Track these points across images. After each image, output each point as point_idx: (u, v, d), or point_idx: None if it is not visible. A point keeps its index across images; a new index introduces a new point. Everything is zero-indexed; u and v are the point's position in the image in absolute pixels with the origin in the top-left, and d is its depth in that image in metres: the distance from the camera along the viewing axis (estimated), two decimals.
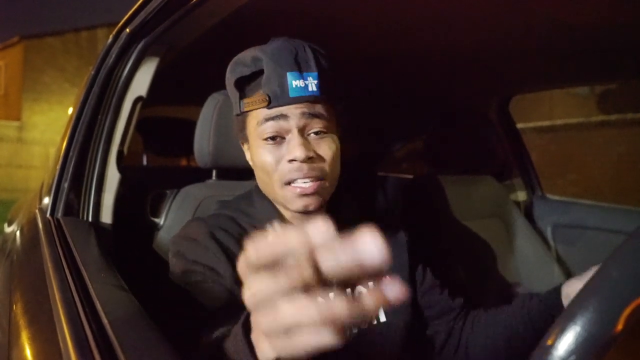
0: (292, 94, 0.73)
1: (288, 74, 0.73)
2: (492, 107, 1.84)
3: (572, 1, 1.02)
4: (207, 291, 0.73)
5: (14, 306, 0.85)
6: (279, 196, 0.78)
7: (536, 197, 1.88)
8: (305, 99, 0.74)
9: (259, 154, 0.77)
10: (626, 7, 1.03)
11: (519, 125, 1.96)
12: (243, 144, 0.85)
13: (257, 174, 0.82)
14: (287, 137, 0.76)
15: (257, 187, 0.87)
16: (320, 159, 0.76)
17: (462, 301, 0.92)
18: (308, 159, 0.74)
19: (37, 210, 1.24)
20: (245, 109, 0.78)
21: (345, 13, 1.17)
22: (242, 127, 0.82)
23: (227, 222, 0.82)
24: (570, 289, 0.80)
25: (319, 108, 0.76)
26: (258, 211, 0.83)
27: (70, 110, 1.59)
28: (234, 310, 0.70)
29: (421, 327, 0.91)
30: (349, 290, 0.76)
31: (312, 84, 0.74)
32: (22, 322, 0.75)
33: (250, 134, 0.80)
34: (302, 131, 0.75)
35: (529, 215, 1.78)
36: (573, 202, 1.82)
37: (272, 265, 0.31)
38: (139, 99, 1.13)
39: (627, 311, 0.33)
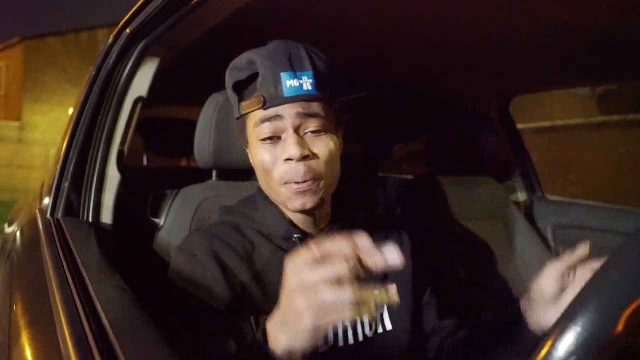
0: (286, 94, 0.74)
1: (282, 74, 0.74)
2: (493, 107, 1.84)
3: (572, 2, 1.02)
4: (197, 314, 0.72)
5: (15, 306, 0.85)
6: (279, 195, 0.78)
7: (536, 198, 1.88)
8: (300, 98, 0.74)
9: (258, 155, 0.78)
10: (626, 8, 1.03)
11: (520, 126, 1.96)
12: (246, 146, 0.86)
13: (258, 174, 0.82)
14: (283, 137, 0.76)
15: (260, 189, 0.87)
16: (316, 157, 0.76)
17: (454, 322, 0.91)
18: (303, 158, 0.74)
19: (37, 211, 1.24)
20: (244, 112, 0.79)
21: (345, 14, 1.17)
22: (243, 130, 0.82)
23: (231, 232, 0.81)
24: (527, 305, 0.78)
25: (315, 107, 0.76)
26: (262, 216, 0.83)
27: (71, 110, 1.60)
28: (223, 335, 0.70)
29: (424, 334, 0.91)
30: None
31: (307, 83, 0.75)
32: (22, 322, 0.75)
33: (249, 135, 0.81)
34: (297, 130, 0.76)
35: (529, 216, 1.77)
36: (573, 202, 1.82)
37: (320, 261, 0.47)
38: (139, 99, 1.13)
39: (627, 312, 0.33)
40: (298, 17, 1.17)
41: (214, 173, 1.14)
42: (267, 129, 0.76)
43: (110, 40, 1.15)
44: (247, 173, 1.21)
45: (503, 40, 1.28)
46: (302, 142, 0.75)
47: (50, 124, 12.82)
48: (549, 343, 0.34)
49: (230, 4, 0.92)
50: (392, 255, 0.46)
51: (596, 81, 2.28)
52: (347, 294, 0.47)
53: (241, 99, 0.80)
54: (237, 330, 0.72)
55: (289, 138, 0.75)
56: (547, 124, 6.67)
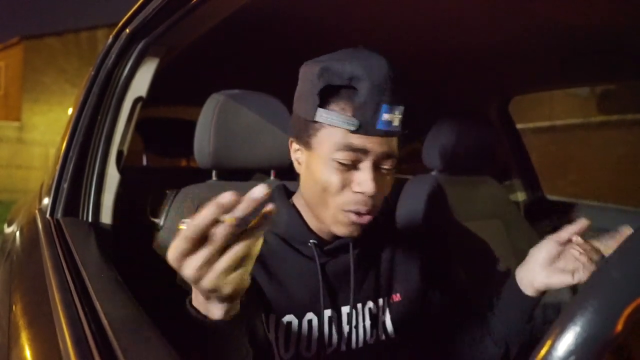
0: (379, 126, 0.71)
1: (383, 105, 0.70)
2: (492, 107, 1.84)
3: (572, 2, 1.02)
4: None
5: (14, 307, 0.85)
6: (331, 216, 0.76)
7: (536, 198, 1.88)
8: (388, 134, 0.72)
9: (325, 172, 0.74)
10: (626, 8, 1.03)
11: (519, 126, 1.96)
12: (296, 143, 0.80)
13: (312, 186, 0.77)
14: (360, 166, 0.73)
15: (280, 191, 0.86)
16: (379, 194, 0.74)
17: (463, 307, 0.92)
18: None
19: (36, 211, 1.24)
20: (324, 121, 0.73)
21: (345, 14, 1.17)
22: (307, 132, 0.76)
23: None
24: (522, 274, 0.85)
25: (394, 146, 0.74)
26: (281, 216, 0.81)
27: (70, 110, 1.60)
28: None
29: (431, 341, 0.90)
30: (360, 304, 0.75)
31: (397, 119, 0.72)
32: (21, 322, 0.75)
33: (318, 145, 0.75)
34: (375, 166, 0.73)
35: (528, 215, 1.78)
36: (573, 202, 1.82)
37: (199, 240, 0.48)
38: (138, 99, 1.13)
39: (627, 311, 0.33)
40: (298, 17, 1.17)
41: (214, 173, 1.14)
42: (348, 157, 0.72)
43: (110, 40, 1.15)
44: (247, 173, 1.21)
45: (503, 40, 1.28)
46: (377, 178, 0.73)
47: (50, 124, 12.80)
48: (549, 343, 0.34)
49: (230, 4, 0.92)
50: (257, 191, 0.48)
51: (595, 81, 2.28)
52: (239, 250, 0.49)
53: (323, 104, 0.73)
54: (249, 328, 0.72)
55: (367, 173, 0.72)
56: (546, 123, 6.68)
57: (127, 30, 1.08)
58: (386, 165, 0.75)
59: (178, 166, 2.54)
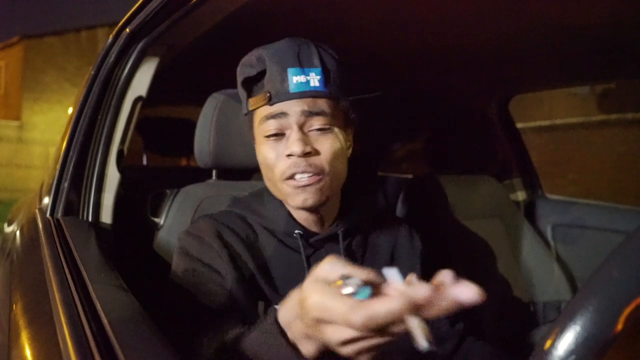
0: (292, 89, 0.74)
1: (289, 69, 0.74)
2: (492, 106, 1.84)
3: (571, 1, 1.02)
4: (206, 292, 0.73)
5: (14, 306, 0.85)
6: (281, 192, 0.78)
7: (536, 197, 1.88)
8: (307, 94, 0.74)
9: (262, 150, 0.78)
10: (626, 7, 1.03)
11: (519, 125, 1.96)
12: (254, 143, 0.85)
13: (263, 171, 0.82)
14: (287, 133, 0.76)
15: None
16: (318, 154, 0.75)
17: (462, 327, 0.90)
18: (305, 154, 0.74)
19: (37, 210, 1.24)
20: (250, 108, 0.79)
21: (345, 13, 1.17)
22: (250, 125, 0.82)
23: (236, 220, 0.83)
24: None
25: (321, 104, 0.75)
26: (268, 210, 0.83)
27: (70, 110, 1.59)
28: (232, 312, 0.71)
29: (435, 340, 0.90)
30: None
31: (314, 80, 0.75)
32: (22, 322, 0.75)
33: (255, 132, 0.81)
34: (302, 127, 0.75)
35: (528, 215, 1.77)
36: (573, 201, 1.82)
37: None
38: (139, 98, 1.13)
39: (627, 311, 0.33)
40: (297, 17, 1.17)
41: (214, 172, 1.14)
42: (271, 126, 0.76)
43: (110, 39, 1.15)
44: (247, 172, 1.21)
45: (503, 39, 1.28)
46: (305, 138, 0.74)
47: (50, 123, 12.80)
48: (549, 342, 0.34)
49: (230, 3, 0.92)
50: (467, 293, 0.36)
51: (595, 80, 2.28)
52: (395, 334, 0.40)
53: (249, 95, 0.80)
54: (243, 312, 0.73)
55: (292, 135, 0.74)
56: (546, 122, 6.68)
57: (127, 30, 1.08)
58: (316, 124, 0.76)
59: (178, 165, 2.54)
